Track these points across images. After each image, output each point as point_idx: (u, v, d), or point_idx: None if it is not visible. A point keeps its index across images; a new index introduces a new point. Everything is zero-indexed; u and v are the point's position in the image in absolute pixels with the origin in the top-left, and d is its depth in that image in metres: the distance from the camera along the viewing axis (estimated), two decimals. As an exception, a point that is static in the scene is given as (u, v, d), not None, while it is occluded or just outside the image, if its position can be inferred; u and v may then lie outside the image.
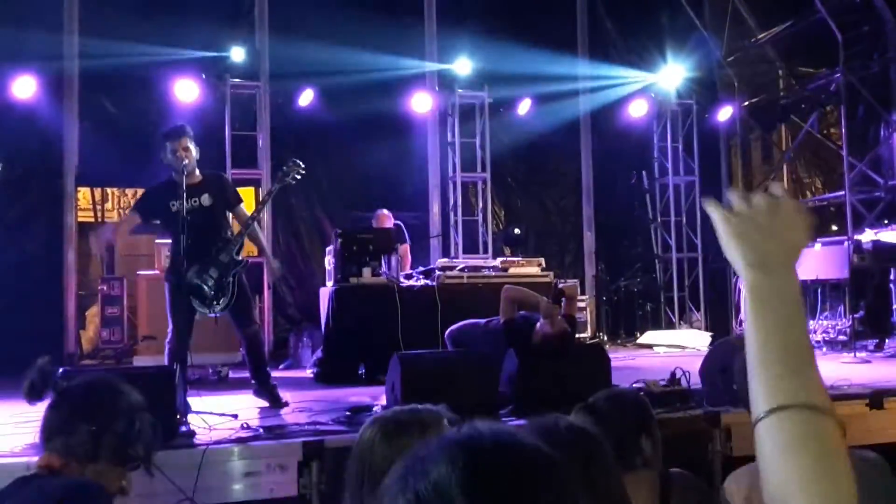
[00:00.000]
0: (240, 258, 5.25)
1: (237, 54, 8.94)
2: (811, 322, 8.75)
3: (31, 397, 2.17)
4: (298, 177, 5.55)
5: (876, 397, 4.93)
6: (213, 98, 9.07)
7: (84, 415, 1.96)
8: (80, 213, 8.97)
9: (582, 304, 9.17)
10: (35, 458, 2.17)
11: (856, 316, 8.51)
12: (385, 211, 8.41)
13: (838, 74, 9.49)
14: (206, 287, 5.12)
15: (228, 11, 9.28)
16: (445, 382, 4.64)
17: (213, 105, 9.08)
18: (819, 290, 8.96)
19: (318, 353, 7.31)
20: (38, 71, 8.34)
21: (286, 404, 5.30)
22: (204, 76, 8.90)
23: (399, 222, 8.15)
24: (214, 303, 5.18)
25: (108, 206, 9.64)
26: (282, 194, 9.21)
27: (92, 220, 9.19)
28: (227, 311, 5.27)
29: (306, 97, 9.33)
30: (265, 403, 5.31)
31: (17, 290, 8.25)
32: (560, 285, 6.15)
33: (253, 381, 5.44)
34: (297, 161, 5.50)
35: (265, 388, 5.37)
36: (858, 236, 8.82)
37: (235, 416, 4.64)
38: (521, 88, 10.11)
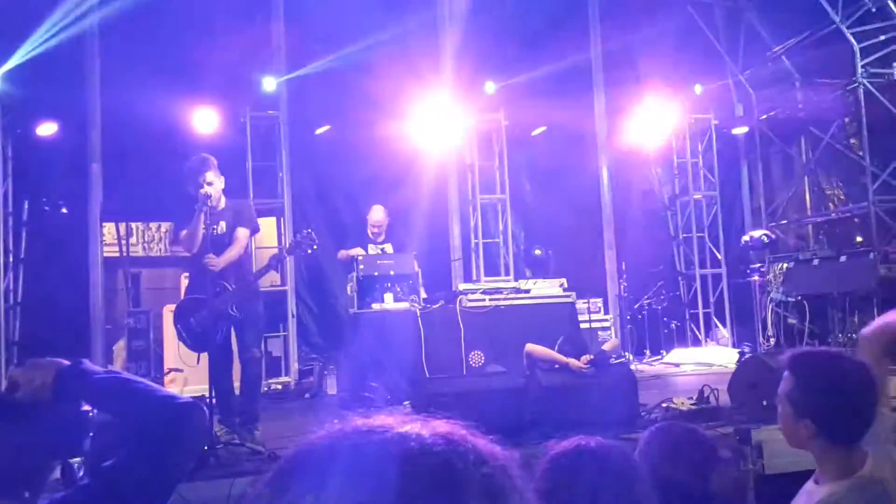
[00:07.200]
0: (234, 313, 4.89)
1: (266, 84, 9.07)
2: (839, 335, 8.62)
3: None
4: (310, 250, 5.29)
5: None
6: (233, 129, 9.18)
7: None
8: (105, 248, 9.05)
9: (606, 324, 9.11)
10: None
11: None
12: (379, 206, 8.04)
13: (857, 84, 9.43)
14: (192, 327, 4.90)
15: (248, 44, 9.40)
16: (472, 406, 4.62)
17: (234, 136, 9.17)
18: (847, 304, 8.81)
19: (343, 379, 7.31)
20: (62, 106, 8.49)
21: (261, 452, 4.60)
22: (225, 108, 9.01)
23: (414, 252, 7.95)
24: (193, 346, 4.95)
25: (133, 240, 9.72)
26: (303, 222, 9.39)
27: (117, 254, 9.24)
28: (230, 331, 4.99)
29: (323, 125, 9.41)
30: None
31: (44, 325, 8.34)
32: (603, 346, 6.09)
33: (237, 417, 4.94)
34: (312, 233, 5.23)
35: (245, 427, 4.89)
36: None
37: (263, 447, 4.65)
38: (539, 110, 10.14)
